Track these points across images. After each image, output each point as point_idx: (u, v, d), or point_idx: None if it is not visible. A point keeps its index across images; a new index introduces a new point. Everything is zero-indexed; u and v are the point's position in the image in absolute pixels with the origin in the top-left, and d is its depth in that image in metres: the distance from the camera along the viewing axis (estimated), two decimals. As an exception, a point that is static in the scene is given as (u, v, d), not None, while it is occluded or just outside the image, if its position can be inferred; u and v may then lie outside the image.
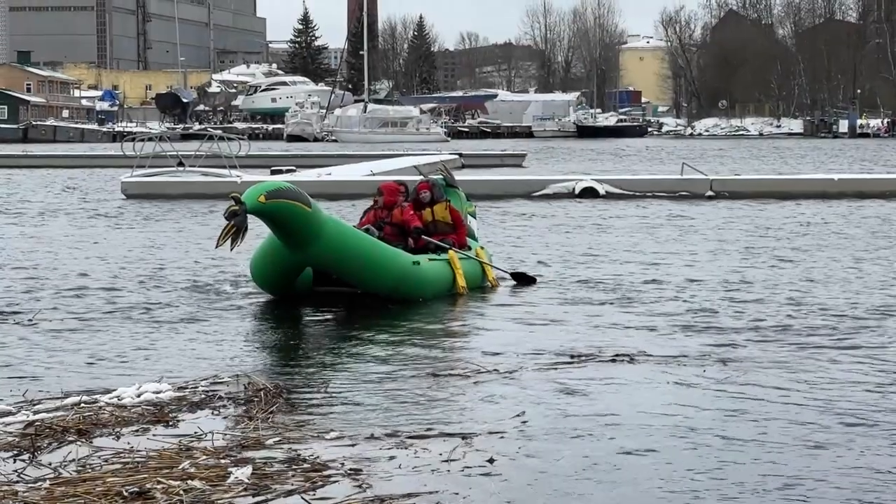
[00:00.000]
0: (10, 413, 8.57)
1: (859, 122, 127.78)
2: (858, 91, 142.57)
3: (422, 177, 16.50)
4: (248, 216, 12.51)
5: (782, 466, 7.42)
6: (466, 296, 14.66)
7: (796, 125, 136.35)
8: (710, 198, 32.34)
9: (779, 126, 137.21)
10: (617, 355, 10.88)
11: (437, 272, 14.42)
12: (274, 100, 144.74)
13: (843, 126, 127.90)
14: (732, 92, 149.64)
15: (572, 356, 10.85)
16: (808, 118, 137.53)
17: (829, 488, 7.01)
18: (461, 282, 14.62)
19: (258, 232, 14.49)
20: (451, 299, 14.53)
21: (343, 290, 14.15)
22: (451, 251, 14.72)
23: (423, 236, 14.69)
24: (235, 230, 12.36)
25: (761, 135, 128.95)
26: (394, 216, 14.76)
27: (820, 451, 7.78)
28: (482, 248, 15.94)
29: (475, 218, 16.84)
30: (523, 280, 15.95)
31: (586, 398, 9.23)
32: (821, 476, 7.24)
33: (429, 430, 8.18)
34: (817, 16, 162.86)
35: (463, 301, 14.53)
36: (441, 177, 16.40)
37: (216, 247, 12.84)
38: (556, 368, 10.37)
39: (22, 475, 7.10)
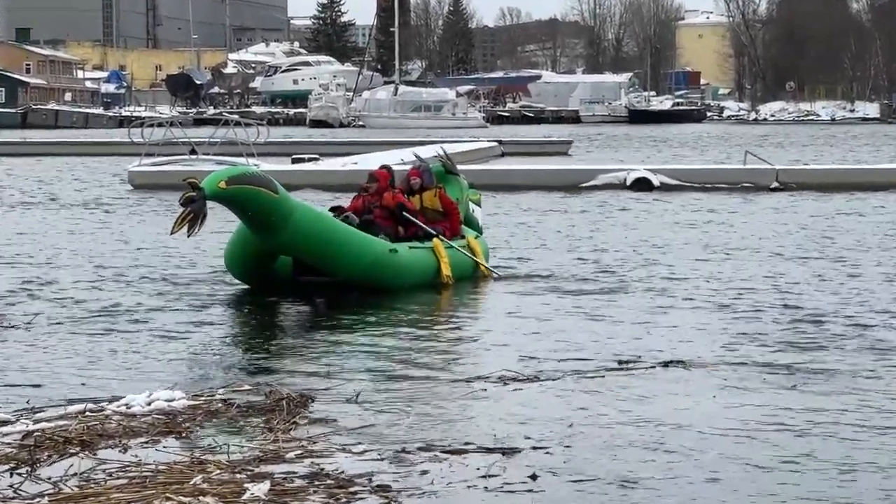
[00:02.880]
0: (8, 422, 8.61)
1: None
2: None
3: (418, 161, 17.04)
4: (209, 203, 13.22)
5: (851, 488, 7.40)
6: (492, 292, 15.13)
7: (872, 109, 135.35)
8: (775, 189, 32.20)
9: (853, 110, 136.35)
10: (669, 361, 10.87)
11: (417, 260, 15.03)
12: (296, 81, 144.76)
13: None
14: (801, 72, 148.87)
15: (620, 362, 10.85)
16: (886, 101, 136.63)
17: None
18: (446, 271, 15.18)
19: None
20: (476, 295, 14.98)
21: (324, 280, 14.64)
22: (435, 239, 15.27)
23: (405, 213, 15.30)
24: (192, 216, 13.04)
25: (833, 120, 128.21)
26: (384, 199, 15.46)
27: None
28: (477, 237, 16.41)
29: (479, 206, 17.33)
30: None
31: (637, 409, 9.21)
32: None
33: (465, 443, 8.19)
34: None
35: (490, 298, 14.88)
36: (439, 163, 16.89)
37: (171, 234, 13.54)
38: (602, 376, 10.37)
39: (19, 491, 7.14)
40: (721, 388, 9.95)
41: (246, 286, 15.21)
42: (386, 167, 16.31)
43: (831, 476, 7.58)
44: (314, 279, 14.74)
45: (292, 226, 14.03)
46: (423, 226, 15.39)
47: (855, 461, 7.88)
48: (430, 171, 16.21)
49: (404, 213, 15.35)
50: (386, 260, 14.64)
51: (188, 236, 13.45)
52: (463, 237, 16.02)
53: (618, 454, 8.02)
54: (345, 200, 16.51)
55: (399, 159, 38.72)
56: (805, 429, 8.64)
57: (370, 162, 38.86)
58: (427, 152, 18.92)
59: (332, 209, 15.47)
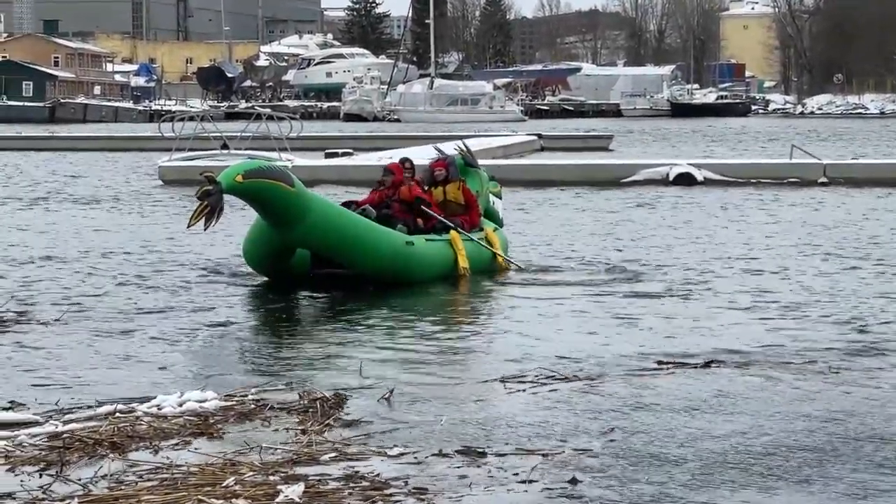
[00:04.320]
0: (37, 423, 8.67)
1: None
2: None
3: (439, 153, 17.51)
4: (226, 196, 13.64)
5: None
6: (521, 287, 15.35)
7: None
8: (823, 185, 32.10)
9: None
10: (711, 361, 10.85)
11: (435, 253, 15.43)
12: (329, 74, 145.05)
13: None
14: (849, 65, 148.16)
15: (660, 362, 10.84)
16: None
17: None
18: (463, 263, 15.59)
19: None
20: (502, 290, 15.20)
21: (341, 273, 15.07)
22: (453, 232, 15.67)
23: (423, 208, 15.73)
24: (209, 210, 13.46)
25: (882, 114, 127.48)
26: (401, 193, 15.84)
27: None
28: (495, 230, 16.84)
29: (500, 199, 17.80)
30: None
31: (678, 411, 9.20)
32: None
33: (504, 445, 8.20)
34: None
35: (519, 293, 14.93)
36: (459, 156, 17.30)
37: (188, 227, 14.03)
38: (642, 376, 10.37)
39: (48, 492, 7.18)
40: (763, 388, 9.92)
41: (266, 279, 15.56)
42: (406, 159, 16.67)
43: (882, 477, 7.55)
44: (331, 272, 15.12)
45: (310, 219, 14.43)
46: (442, 219, 15.75)
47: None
48: (455, 164, 16.61)
49: (423, 207, 15.71)
50: (403, 252, 15.01)
51: (205, 230, 13.93)
52: (482, 229, 16.42)
53: (660, 457, 8.00)
54: (359, 196, 16.83)
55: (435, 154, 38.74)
56: (852, 431, 8.61)
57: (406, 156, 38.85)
58: (448, 147, 19.19)
59: (345, 203, 15.82)
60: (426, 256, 15.34)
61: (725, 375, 10.40)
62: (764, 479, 7.58)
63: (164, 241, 20.31)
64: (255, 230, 15.23)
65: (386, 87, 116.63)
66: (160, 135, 42.33)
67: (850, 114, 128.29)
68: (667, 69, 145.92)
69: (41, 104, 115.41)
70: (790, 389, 9.91)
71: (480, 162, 17.90)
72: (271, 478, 7.35)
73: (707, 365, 10.74)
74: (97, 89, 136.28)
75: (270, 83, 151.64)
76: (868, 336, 12.13)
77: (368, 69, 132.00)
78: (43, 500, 7.05)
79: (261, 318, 14.04)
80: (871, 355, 11.22)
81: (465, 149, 17.91)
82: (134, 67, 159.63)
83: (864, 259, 17.97)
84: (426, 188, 16.16)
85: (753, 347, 11.54)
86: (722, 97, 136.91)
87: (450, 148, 18.58)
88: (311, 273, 15.30)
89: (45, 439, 8.23)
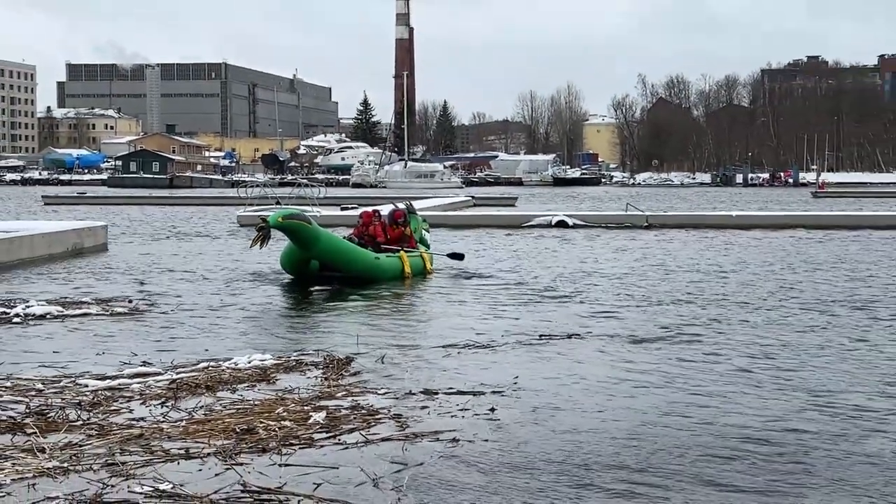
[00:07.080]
0: (159, 374, 8.63)
1: (750, 175, 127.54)
2: (749, 154, 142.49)
3: (395, 206, 18.30)
4: (272, 230, 14.90)
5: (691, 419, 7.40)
6: (449, 289, 15.24)
7: (706, 177, 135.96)
8: (646, 227, 32.23)
9: (693, 178, 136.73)
10: (571, 335, 10.88)
11: (391, 264, 16.38)
12: (343, 158, 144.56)
13: (739, 178, 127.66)
14: (662, 154, 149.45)
15: (541, 336, 10.84)
16: (714, 172, 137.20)
17: (754, 445, 7.00)
18: (407, 270, 16.42)
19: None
20: (437, 292, 14.89)
21: (338, 275, 15.84)
22: (402, 251, 16.64)
23: (382, 246, 16.76)
24: (263, 237, 14.77)
25: (682, 184, 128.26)
26: (370, 230, 16.99)
27: (738, 408, 7.77)
28: (426, 250, 17.75)
29: (429, 232, 18.66)
30: (456, 257, 18.31)
31: (555, 365, 9.24)
32: (742, 432, 7.23)
33: (448, 388, 8.20)
34: (721, 101, 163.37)
35: (451, 296, 14.70)
36: (405, 206, 18.18)
37: (250, 247, 15.47)
38: (531, 344, 10.36)
39: (166, 417, 7.15)
40: (602, 350, 9.99)
41: (293, 278, 16.11)
42: (375, 210, 17.78)
43: (688, 416, 7.59)
44: (332, 274, 15.86)
45: (320, 244, 15.53)
46: (392, 247, 16.79)
47: (682, 400, 7.90)
48: (407, 214, 17.60)
49: (382, 245, 16.82)
50: (374, 264, 16.05)
51: (259, 249, 15.30)
52: (418, 250, 17.30)
53: (547, 393, 8.03)
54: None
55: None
56: (659, 379, 8.67)
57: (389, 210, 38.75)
58: (399, 202, 19.53)
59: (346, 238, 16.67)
60: (387, 266, 16.22)
61: (582, 344, 10.44)
62: (609, 398, 7.63)
63: (236, 262, 20.21)
64: (287, 249, 16.12)
65: (378, 166, 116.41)
66: (238, 196, 42.07)
67: (663, 184, 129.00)
68: (551, 156, 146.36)
69: (164, 176, 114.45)
70: (618, 350, 9.96)
71: (428, 212, 18.36)
72: (305, 408, 7.34)
73: (570, 337, 10.78)
74: (199, 167, 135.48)
75: (307, 164, 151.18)
76: (673, 322, 12.20)
77: (367, 155, 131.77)
78: (163, 422, 7.01)
79: (294, 305, 13.94)
80: (673, 334, 11.28)
81: (409, 203, 18.61)
82: (222, 154, 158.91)
83: (670, 269, 18.05)
84: (388, 225, 17.08)
85: (600, 328, 11.57)
86: (584, 174, 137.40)
87: (400, 203, 18.98)
88: (319, 273, 15.92)
89: (165, 383, 8.20)
